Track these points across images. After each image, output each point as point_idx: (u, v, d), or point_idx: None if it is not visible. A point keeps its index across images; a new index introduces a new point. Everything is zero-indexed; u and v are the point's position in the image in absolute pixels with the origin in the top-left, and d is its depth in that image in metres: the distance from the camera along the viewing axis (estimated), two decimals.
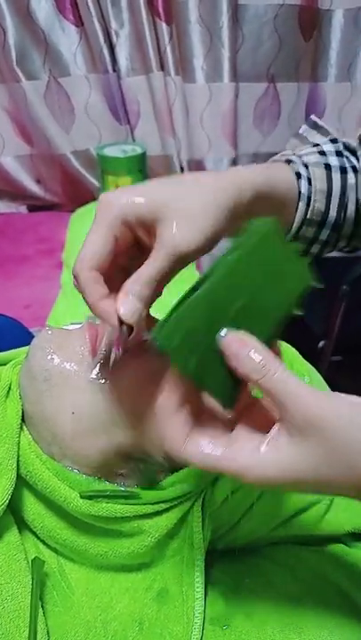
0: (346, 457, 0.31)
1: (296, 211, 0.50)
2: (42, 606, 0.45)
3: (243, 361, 0.33)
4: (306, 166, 0.50)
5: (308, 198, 0.49)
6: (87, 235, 0.39)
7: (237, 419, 0.37)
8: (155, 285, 0.38)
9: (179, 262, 0.38)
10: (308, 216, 0.50)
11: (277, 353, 0.39)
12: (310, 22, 1.50)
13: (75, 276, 0.38)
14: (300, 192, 0.49)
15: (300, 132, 0.55)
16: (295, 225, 0.50)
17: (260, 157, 1.70)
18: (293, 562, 0.52)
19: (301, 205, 0.49)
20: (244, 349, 0.33)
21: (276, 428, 0.33)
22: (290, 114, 1.65)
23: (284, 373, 0.32)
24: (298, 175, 0.49)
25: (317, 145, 0.52)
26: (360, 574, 0.52)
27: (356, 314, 1.52)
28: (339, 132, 1.64)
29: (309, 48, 1.55)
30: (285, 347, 0.58)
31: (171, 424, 0.35)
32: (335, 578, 0.51)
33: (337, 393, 0.34)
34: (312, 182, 0.49)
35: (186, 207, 0.38)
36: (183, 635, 0.44)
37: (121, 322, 0.37)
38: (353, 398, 0.33)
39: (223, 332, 0.34)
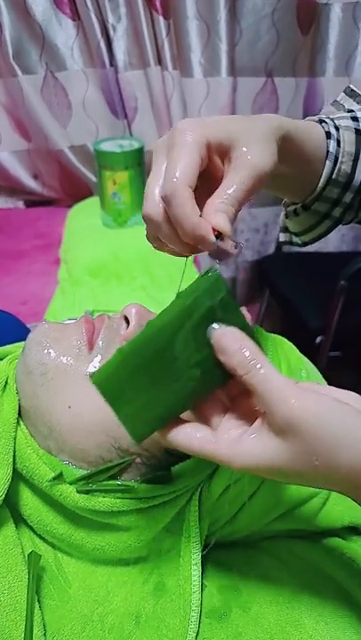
0: (324, 456, 0.32)
1: (323, 169, 0.49)
2: (38, 600, 0.45)
3: (231, 355, 0.34)
4: (337, 128, 0.50)
5: (336, 158, 0.49)
6: (172, 157, 0.38)
7: (229, 407, 0.38)
8: (237, 205, 0.39)
9: (258, 182, 0.39)
10: (333, 176, 0.50)
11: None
12: (308, 16, 1.49)
13: (167, 196, 0.37)
14: (328, 151, 0.49)
15: (338, 99, 0.55)
16: (321, 183, 0.50)
17: None
18: (290, 555, 0.52)
19: (329, 164, 0.49)
20: (233, 344, 0.34)
21: (258, 421, 0.35)
22: (288, 108, 1.65)
23: (270, 371, 0.33)
24: (328, 135, 0.49)
25: (352, 111, 0.52)
26: (357, 568, 0.52)
27: (353, 309, 1.52)
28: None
29: (307, 42, 1.54)
30: (283, 340, 0.58)
31: None
32: (332, 571, 0.51)
33: (322, 390, 0.34)
34: (341, 144, 0.49)
35: (253, 135, 0.40)
36: (180, 628, 0.45)
37: (216, 236, 0.38)
38: (337, 394, 0.34)
39: (215, 325, 0.35)
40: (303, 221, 0.55)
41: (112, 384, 0.36)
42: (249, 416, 0.37)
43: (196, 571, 0.47)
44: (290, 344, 0.58)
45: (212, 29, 1.44)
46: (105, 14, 1.41)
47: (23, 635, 0.42)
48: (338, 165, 0.49)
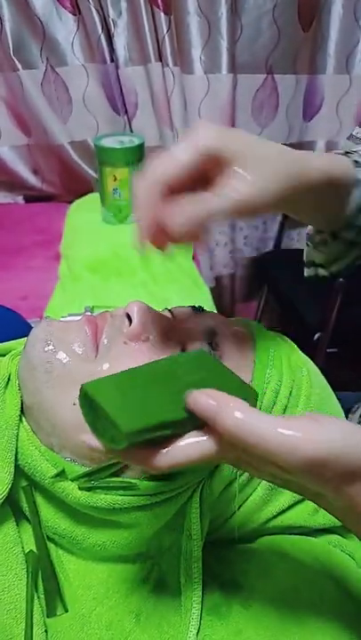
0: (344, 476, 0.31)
1: (350, 197, 0.49)
2: (39, 598, 0.45)
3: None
4: None
5: None
6: (172, 149, 0.40)
7: None
8: (208, 221, 0.41)
9: (237, 210, 0.40)
10: None
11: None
12: (309, 13, 1.49)
13: (143, 184, 0.40)
14: (357, 179, 0.48)
15: (354, 133, 0.56)
16: (349, 211, 0.50)
17: None
18: (290, 552, 0.53)
19: (358, 192, 0.49)
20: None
21: None
22: (288, 106, 1.64)
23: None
24: (356, 164, 0.49)
25: None
26: (355, 564, 0.53)
27: (351, 306, 1.52)
28: (336, 125, 1.64)
29: (308, 39, 1.54)
30: (284, 338, 0.58)
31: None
32: (331, 568, 0.51)
33: (328, 421, 0.33)
34: None
35: (262, 164, 0.41)
36: (181, 625, 0.45)
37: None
38: (343, 423, 0.33)
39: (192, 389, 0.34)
40: (331, 251, 0.56)
41: (100, 387, 0.36)
42: None
43: (196, 568, 0.47)
44: (290, 342, 0.58)
45: (213, 25, 1.43)
46: (106, 9, 1.40)
47: (24, 633, 0.42)
48: None
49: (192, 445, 0.34)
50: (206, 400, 0.33)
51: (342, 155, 0.50)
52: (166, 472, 0.36)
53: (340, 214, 0.51)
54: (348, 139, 0.57)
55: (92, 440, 0.34)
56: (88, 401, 0.35)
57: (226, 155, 0.40)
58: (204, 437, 0.34)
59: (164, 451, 0.34)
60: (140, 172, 0.42)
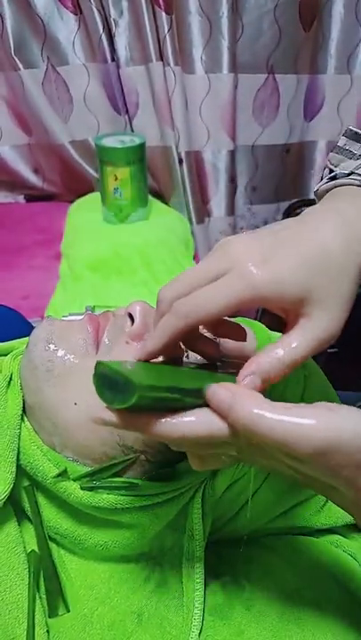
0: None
1: None
2: (40, 598, 0.45)
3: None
4: None
5: None
6: (218, 286, 0.35)
7: None
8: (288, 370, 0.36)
9: (316, 352, 0.36)
10: None
11: None
12: (310, 13, 1.49)
13: (174, 310, 0.36)
14: None
15: (341, 144, 0.50)
16: None
17: (258, 149, 1.69)
18: (292, 553, 0.53)
19: None
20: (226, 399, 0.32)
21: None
22: (289, 106, 1.64)
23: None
24: None
25: None
26: (356, 565, 0.53)
27: (352, 306, 1.52)
28: (337, 125, 1.63)
29: (309, 39, 1.54)
30: None
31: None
32: (333, 568, 0.51)
33: (343, 409, 0.32)
34: None
35: (330, 298, 0.36)
36: (183, 625, 0.45)
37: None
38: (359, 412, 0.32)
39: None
40: None
41: (113, 363, 0.35)
42: None
43: (198, 568, 0.47)
44: None
45: (214, 25, 1.43)
46: (107, 8, 1.40)
47: (26, 633, 0.42)
48: None
49: (202, 421, 0.32)
50: (225, 392, 0.32)
51: (345, 177, 0.45)
52: (173, 444, 0.35)
53: None
54: (335, 152, 0.52)
55: (106, 413, 0.32)
56: (101, 377, 0.34)
57: (288, 304, 0.35)
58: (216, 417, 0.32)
59: (174, 420, 0.32)
60: (168, 288, 0.37)
